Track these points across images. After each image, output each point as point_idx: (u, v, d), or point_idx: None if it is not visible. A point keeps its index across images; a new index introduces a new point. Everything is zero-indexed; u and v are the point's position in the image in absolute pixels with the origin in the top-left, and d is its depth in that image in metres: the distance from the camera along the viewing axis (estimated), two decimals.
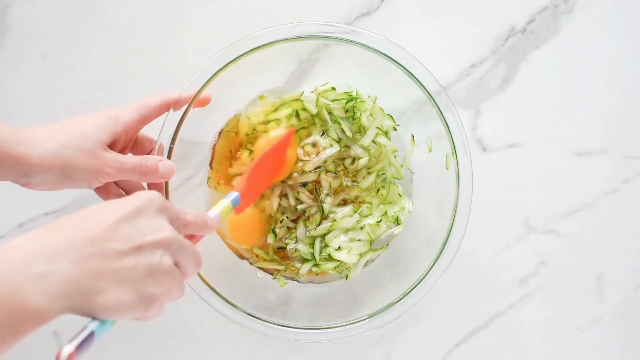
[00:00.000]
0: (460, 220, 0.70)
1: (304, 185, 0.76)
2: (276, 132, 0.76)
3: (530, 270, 0.84)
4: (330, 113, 0.77)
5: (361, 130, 0.77)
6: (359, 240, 0.76)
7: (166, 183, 0.68)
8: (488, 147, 0.84)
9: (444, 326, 0.84)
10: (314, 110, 0.76)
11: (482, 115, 0.84)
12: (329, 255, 0.76)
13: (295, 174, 0.76)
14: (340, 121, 0.76)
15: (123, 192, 0.69)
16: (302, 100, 0.77)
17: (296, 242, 0.77)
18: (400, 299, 0.71)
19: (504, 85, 0.85)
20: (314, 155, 0.76)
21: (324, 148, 0.76)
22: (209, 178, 0.78)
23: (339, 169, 0.77)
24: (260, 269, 0.79)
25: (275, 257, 0.78)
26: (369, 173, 0.77)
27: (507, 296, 0.84)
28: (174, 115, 0.68)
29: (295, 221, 0.77)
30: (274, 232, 0.76)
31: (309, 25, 0.70)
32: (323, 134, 0.77)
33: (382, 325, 0.71)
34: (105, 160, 0.60)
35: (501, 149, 0.84)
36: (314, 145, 0.77)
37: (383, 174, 0.78)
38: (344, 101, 0.77)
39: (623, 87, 0.85)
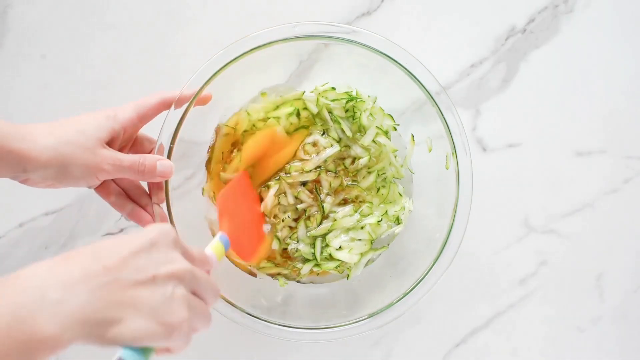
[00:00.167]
0: (460, 220, 0.70)
1: (304, 184, 0.76)
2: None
3: (530, 270, 0.84)
4: (330, 113, 0.77)
5: (361, 129, 0.77)
6: (360, 239, 0.76)
7: (166, 182, 0.68)
8: (488, 147, 0.84)
9: (444, 326, 0.83)
10: (314, 110, 0.76)
11: (482, 115, 0.84)
12: (330, 254, 0.76)
13: (294, 173, 0.76)
14: (340, 121, 0.76)
15: (123, 192, 0.69)
16: (304, 100, 0.77)
17: (297, 242, 0.77)
18: (400, 299, 0.71)
19: (504, 85, 0.85)
20: (314, 155, 0.76)
21: (324, 148, 0.76)
22: (203, 190, 0.78)
23: (339, 168, 0.77)
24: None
25: (283, 259, 0.78)
26: (369, 172, 0.77)
27: (507, 296, 0.84)
28: (174, 115, 0.68)
29: (296, 221, 0.77)
30: (276, 236, 0.76)
31: (309, 25, 0.70)
32: (323, 133, 0.77)
33: (382, 325, 0.71)
34: (103, 157, 0.60)
35: (501, 149, 0.84)
36: (314, 144, 0.77)
37: (383, 173, 0.78)
38: (344, 101, 0.77)
39: (623, 87, 0.85)
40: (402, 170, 0.78)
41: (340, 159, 0.78)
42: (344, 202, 0.78)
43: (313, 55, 0.80)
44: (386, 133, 0.78)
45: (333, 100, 0.76)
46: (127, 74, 0.83)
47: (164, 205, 0.69)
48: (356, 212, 0.77)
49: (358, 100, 0.77)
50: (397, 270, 0.77)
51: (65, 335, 0.42)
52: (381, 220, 0.76)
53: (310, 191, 0.76)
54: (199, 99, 0.69)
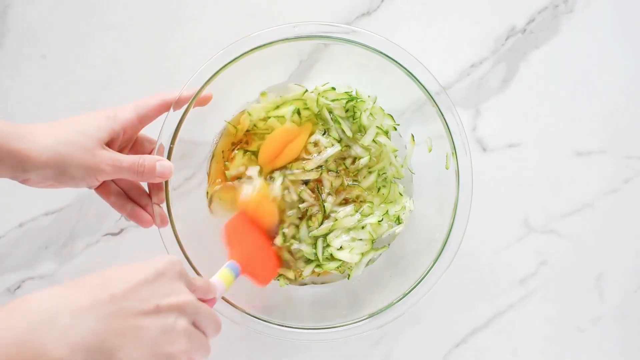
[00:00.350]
0: (460, 220, 0.70)
1: (306, 183, 0.76)
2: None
3: (530, 270, 0.84)
4: (330, 112, 0.77)
5: (361, 129, 0.77)
6: (361, 239, 0.76)
7: (166, 183, 0.68)
8: (488, 147, 0.84)
9: (444, 326, 0.83)
10: (315, 109, 0.77)
11: (482, 115, 0.84)
12: (331, 255, 0.76)
13: (296, 170, 0.76)
14: (341, 121, 0.76)
15: (122, 192, 0.69)
16: (304, 99, 0.77)
17: (300, 242, 0.77)
18: (400, 299, 0.71)
19: (504, 85, 0.85)
20: (315, 155, 0.76)
21: (325, 147, 0.76)
22: (209, 195, 0.78)
23: (340, 168, 0.77)
24: None
25: (288, 258, 0.78)
26: (369, 172, 0.77)
27: (507, 296, 0.84)
28: (174, 115, 0.68)
29: (300, 219, 0.77)
30: (283, 233, 0.76)
31: (309, 25, 0.70)
32: (324, 133, 0.77)
33: (382, 325, 0.71)
34: (102, 157, 0.60)
35: (501, 149, 0.84)
36: (315, 144, 0.77)
37: (384, 173, 0.78)
38: (344, 101, 0.77)
39: (623, 87, 0.85)
40: (402, 170, 0.78)
41: (341, 159, 0.78)
42: (345, 201, 0.78)
43: (313, 56, 0.80)
44: (386, 133, 0.78)
45: (333, 101, 0.76)
46: (127, 74, 0.83)
47: (164, 205, 0.69)
48: (357, 212, 0.77)
49: (358, 100, 0.77)
50: (397, 270, 0.77)
51: (71, 359, 0.43)
52: (382, 220, 0.76)
53: (312, 190, 0.76)
54: (199, 99, 0.69)
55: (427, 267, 0.71)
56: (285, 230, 0.76)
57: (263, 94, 0.77)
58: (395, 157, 0.78)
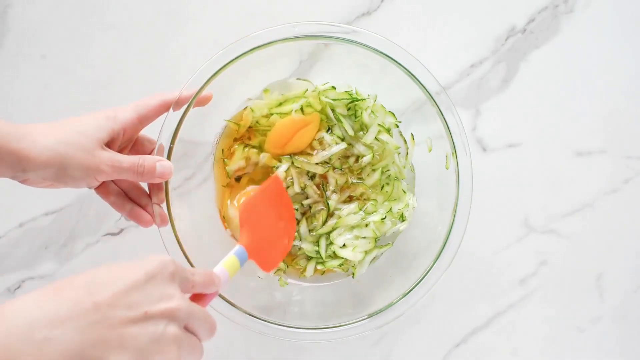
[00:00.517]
0: (460, 220, 0.70)
1: (312, 178, 0.77)
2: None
3: (530, 270, 0.84)
4: (333, 111, 0.77)
5: (363, 128, 0.77)
6: (364, 237, 0.77)
7: (166, 183, 0.68)
8: (488, 147, 0.84)
9: (444, 326, 0.83)
10: (318, 106, 0.77)
11: (482, 115, 0.84)
12: (334, 252, 0.76)
13: (303, 159, 0.76)
14: (342, 119, 0.76)
15: (122, 192, 0.69)
16: (307, 97, 0.77)
17: (300, 240, 0.77)
18: (400, 299, 0.71)
19: (504, 85, 0.85)
20: (321, 151, 0.76)
21: (330, 145, 0.76)
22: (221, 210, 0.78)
23: (344, 166, 0.77)
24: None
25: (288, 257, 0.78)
26: (373, 170, 0.78)
27: (507, 296, 0.84)
28: (174, 115, 0.68)
29: (303, 215, 0.77)
30: None
31: (309, 25, 0.70)
32: (328, 129, 0.77)
33: (382, 325, 0.71)
34: (102, 158, 0.60)
35: (501, 149, 0.84)
36: (320, 142, 0.77)
37: (387, 170, 0.78)
38: (346, 100, 0.77)
39: (623, 87, 0.85)
40: (404, 171, 0.79)
41: (344, 157, 0.78)
42: (349, 199, 0.78)
43: (313, 55, 0.80)
44: (388, 130, 0.78)
45: (334, 100, 0.76)
46: (127, 74, 0.83)
47: (164, 205, 0.69)
48: (360, 209, 0.77)
49: (359, 99, 0.77)
50: (397, 270, 0.77)
51: None
52: (385, 217, 0.76)
53: (318, 186, 0.77)
54: (199, 99, 0.69)
55: (427, 267, 0.71)
56: None
57: (266, 90, 0.78)
58: (398, 154, 0.78)
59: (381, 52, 0.70)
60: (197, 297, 0.53)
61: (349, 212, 0.76)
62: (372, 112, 0.77)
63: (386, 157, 0.78)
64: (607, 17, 0.85)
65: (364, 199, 0.78)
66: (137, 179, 0.64)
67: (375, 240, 0.77)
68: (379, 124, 0.77)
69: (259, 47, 0.69)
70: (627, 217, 0.85)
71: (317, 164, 0.76)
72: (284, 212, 0.73)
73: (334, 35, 0.70)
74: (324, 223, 0.76)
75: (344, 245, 0.76)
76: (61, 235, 0.83)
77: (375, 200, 0.77)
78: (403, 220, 0.78)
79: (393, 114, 0.78)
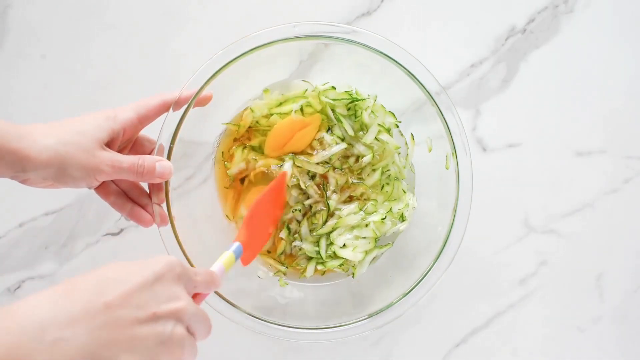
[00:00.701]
0: (460, 220, 0.70)
1: (312, 178, 0.77)
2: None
3: (530, 270, 0.84)
4: (333, 111, 0.77)
5: (363, 128, 0.78)
6: (364, 237, 0.77)
7: (166, 183, 0.68)
8: (488, 147, 0.84)
9: (444, 326, 0.83)
10: (318, 106, 0.77)
11: (482, 115, 0.84)
12: (334, 252, 0.76)
13: (304, 158, 0.76)
14: (343, 119, 0.77)
15: (122, 192, 0.69)
16: (307, 97, 0.77)
17: (301, 241, 0.77)
18: (400, 299, 0.71)
19: (504, 85, 0.85)
20: (321, 150, 0.76)
21: (330, 145, 0.76)
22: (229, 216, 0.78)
23: (344, 166, 0.77)
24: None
25: (286, 257, 0.78)
26: (373, 170, 0.78)
27: (507, 296, 0.84)
28: (174, 115, 0.68)
29: (304, 215, 0.77)
30: (288, 227, 0.76)
31: (309, 25, 0.70)
32: (329, 129, 0.77)
33: (382, 325, 0.71)
34: (102, 158, 0.60)
35: (501, 149, 0.84)
36: (320, 142, 0.77)
37: (387, 170, 0.78)
38: (346, 100, 0.77)
39: (623, 87, 0.85)
40: (404, 171, 0.79)
41: (344, 157, 0.78)
42: (349, 199, 0.78)
43: (313, 55, 0.80)
44: (388, 130, 0.78)
45: (334, 100, 0.76)
46: (127, 74, 0.83)
47: (164, 205, 0.69)
48: (361, 209, 0.77)
49: (359, 99, 0.77)
50: (396, 270, 0.77)
51: None
52: (385, 217, 0.76)
53: (318, 186, 0.77)
54: (199, 99, 0.69)
55: (427, 267, 0.71)
56: (290, 226, 0.77)
57: (266, 90, 0.78)
58: (399, 154, 0.78)
59: (381, 52, 0.70)
60: (194, 296, 0.54)
61: (349, 212, 0.76)
62: (372, 112, 0.77)
63: (386, 157, 0.78)
64: (607, 17, 0.85)
65: (364, 199, 0.78)
66: (137, 179, 0.64)
67: (376, 240, 0.77)
68: (379, 124, 0.77)
69: (259, 47, 0.69)
70: (627, 217, 0.85)
71: (317, 163, 0.76)
72: (278, 204, 0.74)
73: (334, 35, 0.70)
74: (324, 223, 0.76)
75: (344, 245, 0.76)
76: (61, 235, 0.83)
77: (375, 200, 0.77)
78: (403, 220, 0.78)
79: (393, 114, 0.78)
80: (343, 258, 0.76)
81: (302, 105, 0.76)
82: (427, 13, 0.85)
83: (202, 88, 0.69)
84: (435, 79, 0.70)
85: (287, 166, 0.76)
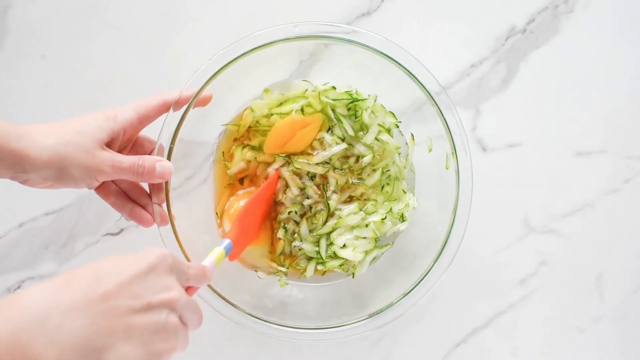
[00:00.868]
0: (461, 220, 0.70)
1: (312, 178, 0.77)
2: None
3: (530, 270, 0.84)
4: (333, 111, 0.77)
5: (363, 128, 0.78)
6: (364, 237, 0.77)
7: (166, 183, 0.68)
8: (488, 147, 0.84)
9: (444, 326, 0.84)
10: (318, 106, 0.77)
11: (482, 115, 0.84)
12: (334, 252, 0.76)
13: (302, 160, 0.76)
14: (343, 119, 0.77)
15: (122, 192, 0.69)
16: (307, 97, 0.77)
17: (301, 241, 0.77)
18: (400, 299, 0.71)
19: (504, 85, 0.85)
20: (322, 151, 0.76)
21: (330, 145, 0.76)
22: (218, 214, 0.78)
23: (344, 166, 0.77)
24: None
25: (285, 258, 0.78)
26: (373, 170, 0.78)
27: (507, 296, 0.84)
28: (174, 115, 0.68)
29: (302, 216, 0.77)
30: (284, 227, 0.76)
31: (309, 25, 0.70)
32: (329, 130, 0.77)
33: (382, 325, 0.71)
34: (102, 158, 0.60)
35: (501, 149, 0.84)
36: (320, 142, 0.77)
37: (387, 170, 0.78)
38: (346, 100, 0.77)
39: (623, 87, 0.85)
40: (405, 171, 0.79)
41: (344, 157, 0.78)
42: (349, 199, 0.78)
43: (313, 55, 0.80)
44: (388, 130, 0.78)
45: (334, 100, 0.76)
46: (127, 74, 0.83)
47: (164, 205, 0.69)
48: (361, 210, 0.77)
49: (359, 99, 0.77)
50: (397, 270, 0.77)
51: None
52: (385, 217, 0.76)
53: (318, 186, 0.77)
54: (199, 99, 0.69)
55: (427, 267, 0.71)
56: (287, 226, 0.77)
57: (266, 90, 0.78)
58: (399, 154, 0.78)
59: (381, 52, 0.70)
60: (186, 289, 0.55)
61: (349, 213, 0.76)
62: (372, 112, 0.77)
63: (386, 157, 0.78)
64: (607, 17, 0.85)
65: (364, 199, 0.78)
66: (137, 179, 0.64)
67: (376, 241, 0.77)
68: (379, 124, 0.77)
69: (259, 47, 0.69)
70: (627, 217, 0.85)
71: (317, 164, 0.76)
72: (267, 204, 0.76)
73: (334, 35, 0.70)
74: (324, 223, 0.76)
75: (344, 245, 0.76)
76: (61, 235, 0.83)
77: (375, 200, 0.77)
78: (403, 221, 0.78)
79: (393, 114, 0.78)
80: (343, 258, 0.76)
81: (302, 106, 0.76)
82: (427, 13, 0.85)
83: (202, 88, 0.69)
84: (435, 79, 0.70)
85: (274, 167, 0.76)
